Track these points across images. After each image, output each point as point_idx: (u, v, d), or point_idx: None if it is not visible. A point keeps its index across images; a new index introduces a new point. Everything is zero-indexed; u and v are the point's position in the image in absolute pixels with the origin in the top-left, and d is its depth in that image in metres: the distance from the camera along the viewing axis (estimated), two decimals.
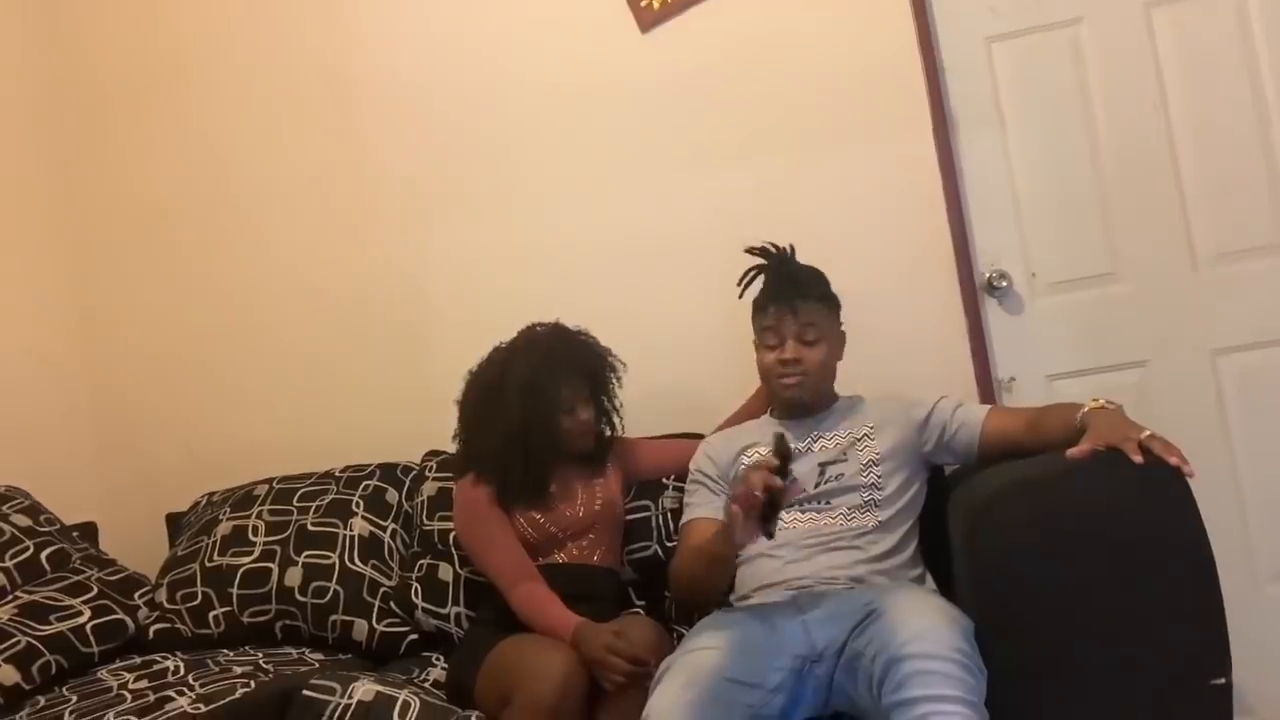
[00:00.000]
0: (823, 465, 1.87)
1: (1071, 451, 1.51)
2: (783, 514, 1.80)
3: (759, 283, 1.99)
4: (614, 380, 2.10)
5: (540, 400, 1.97)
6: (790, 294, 1.89)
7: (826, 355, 1.92)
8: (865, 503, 1.80)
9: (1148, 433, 1.52)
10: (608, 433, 2.13)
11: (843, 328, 1.99)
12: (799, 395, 1.92)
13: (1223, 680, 1.45)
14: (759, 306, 1.95)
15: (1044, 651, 1.46)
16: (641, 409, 2.31)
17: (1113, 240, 2.33)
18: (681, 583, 1.87)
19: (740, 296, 2.00)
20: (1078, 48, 2.34)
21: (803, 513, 1.82)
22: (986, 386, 2.32)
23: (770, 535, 1.53)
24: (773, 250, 1.98)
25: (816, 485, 1.84)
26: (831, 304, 1.95)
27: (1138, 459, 1.46)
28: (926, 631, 1.41)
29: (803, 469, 1.87)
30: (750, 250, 1.99)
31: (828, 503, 1.82)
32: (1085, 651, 1.46)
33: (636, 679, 1.62)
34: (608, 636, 1.68)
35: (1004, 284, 2.35)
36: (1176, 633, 1.45)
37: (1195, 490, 1.47)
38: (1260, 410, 2.25)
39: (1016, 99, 2.37)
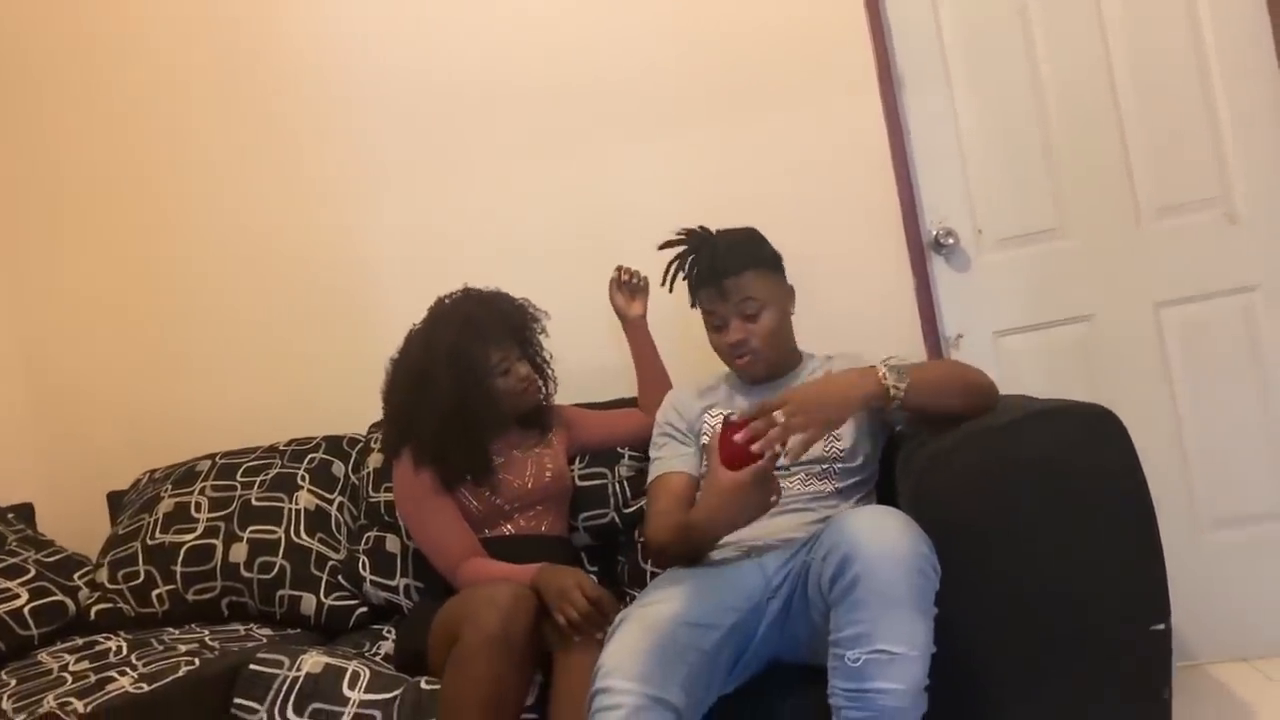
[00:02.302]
0: None
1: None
2: None
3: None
4: (539, 331, 2.06)
5: (471, 368, 1.92)
6: (717, 275, 1.84)
7: (774, 321, 1.85)
8: (824, 471, 1.79)
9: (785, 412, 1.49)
10: (544, 390, 2.09)
11: (789, 282, 1.94)
12: (758, 371, 1.88)
13: (1162, 626, 1.46)
14: (693, 291, 1.91)
15: (985, 602, 1.47)
16: (590, 379, 2.30)
17: (1058, 196, 2.34)
18: (665, 557, 1.78)
19: (670, 290, 1.94)
20: (1022, 3, 2.34)
21: None
22: (934, 344, 2.33)
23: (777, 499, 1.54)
24: (689, 233, 1.93)
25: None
26: (766, 266, 1.88)
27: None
28: (880, 529, 1.40)
29: None
30: (666, 244, 1.94)
31: (786, 469, 1.80)
32: (1026, 600, 1.47)
33: (591, 622, 1.61)
34: (579, 575, 1.67)
35: (950, 241, 2.35)
36: (1116, 580, 1.47)
37: (1138, 440, 1.48)
38: (1202, 362, 2.29)
39: (962, 56, 2.37)
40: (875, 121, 2.35)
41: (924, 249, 2.36)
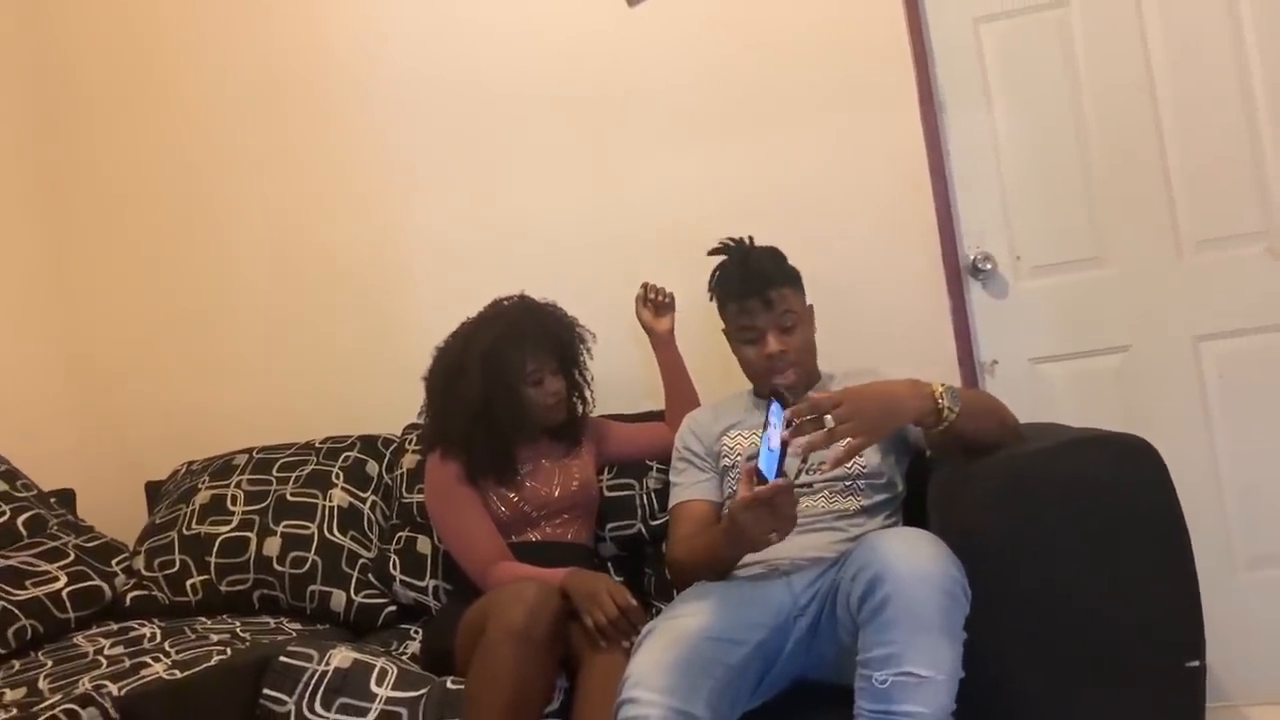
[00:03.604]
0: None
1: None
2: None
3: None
4: (583, 351, 2.09)
5: (502, 373, 1.95)
6: (761, 285, 1.85)
7: (807, 336, 1.89)
8: (848, 488, 1.78)
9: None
10: (580, 407, 2.12)
11: (809, 301, 1.94)
12: (797, 386, 1.87)
13: (1197, 663, 1.45)
14: (727, 301, 1.91)
15: (1014, 629, 1.46)
16: (621, 387, 2.31)
17: (1098, 224, 2.33)
18: (687, 578, 1.78)
19: (712, 298, 1.95)
20: (1066, 30, 2.34)
21: None
22: (969, 369, 2.32)
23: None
24: (732, 243, 1.94)
25: (798, 474, 1.82)
26: (797, 282, 1.91)
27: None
28: (911, 550, 1.39)
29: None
30: (714, 251, 1.95)
31: (810, 487, 1.80)
32: (1056, 630, 1.46)
33: (619, 630, 1.62)
34: (610, 581, 1.69)
35: (988, 266, 2.35)
36: (1151, 614, 1.45)
37: (1175, 476, 1.47)
38: (1241, 397, 2.26)
39: (1004, 80, 2.37)
40: (915, 142, 2.34)
41: (961, 272, 2.36)
